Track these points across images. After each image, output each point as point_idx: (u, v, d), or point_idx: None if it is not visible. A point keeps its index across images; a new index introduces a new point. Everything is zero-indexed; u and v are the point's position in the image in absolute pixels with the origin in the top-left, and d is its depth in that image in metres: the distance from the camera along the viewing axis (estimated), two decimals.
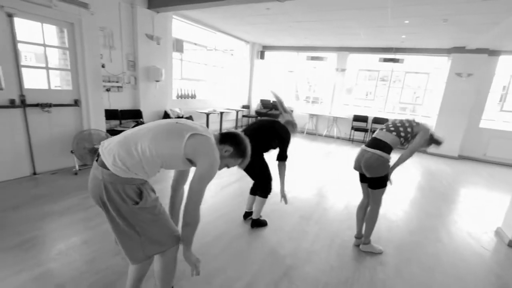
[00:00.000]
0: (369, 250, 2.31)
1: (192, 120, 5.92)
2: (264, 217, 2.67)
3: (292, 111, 8.32)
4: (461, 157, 6.71)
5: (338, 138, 8.04)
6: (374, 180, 2.13)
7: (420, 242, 2.58)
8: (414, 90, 7.94)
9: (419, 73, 7.38)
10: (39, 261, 1.87)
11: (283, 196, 2.46)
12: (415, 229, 2.82)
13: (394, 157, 2.09)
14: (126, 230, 1.22)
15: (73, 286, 1.68)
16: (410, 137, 2.14)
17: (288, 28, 6.07)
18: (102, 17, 4.05)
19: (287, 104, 8.40)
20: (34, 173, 3.37)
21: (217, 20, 5.98)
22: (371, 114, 7.63)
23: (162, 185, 3.27)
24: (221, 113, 6.93)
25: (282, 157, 2.38)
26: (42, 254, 1.96)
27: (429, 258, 2.32)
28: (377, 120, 7.42)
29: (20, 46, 3.04)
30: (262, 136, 2.32)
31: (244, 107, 8.68)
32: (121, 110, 4.68)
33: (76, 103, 3.64)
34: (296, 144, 6.78)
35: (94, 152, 3.74)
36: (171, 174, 1.62)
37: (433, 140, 2.22)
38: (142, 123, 4.83)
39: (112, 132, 4.31)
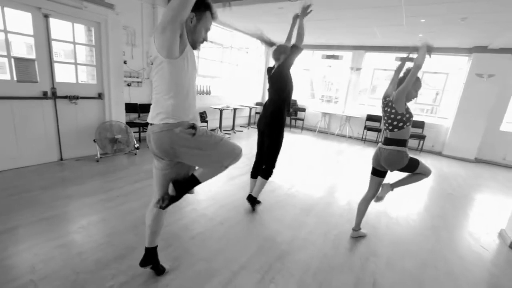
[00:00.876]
0: (387, 189, 2.31)
1: (206, 116, 6.17)
2: (267, 207, 2.84)
3: (304, 109, 8.33)
4: (478, 160, 6.50)
5: (350, 137, 8.01)
6: (407, 169, 2.17)
7: (417, 238, 2.63)
8: (435, 91, 7.71)
9: (438, 73, 7.18)
10: (63, 233, 2.15)
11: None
12: (415, 227, 2.87)
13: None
14: (200, 154, 1.40)
15: (90, 254, 1.93)
16: (395, 114, 2.11)
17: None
18: (126, 17, 4.36)
19: (302, 102, 8.32)
20: (61, 159, 3.73)
21: (234, 19, 6.17)
22: None
23: None
24: (235, 109, 7.13)
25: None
26: (66, 227, 2.24)
27: (424, 254, 2.38)
28: None
29: (53, 44, 3.38)
30: (278, 86, 2.54)
31: (257, 104, 8.84)
32: (140, 104, 5.00)
33: (100, 96, 3.97)
34: (306, 142, 6.85)
35: (115, 142, 4.06)
36: None
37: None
38: None
39: (132, 124, 4.64)
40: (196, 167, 1.54)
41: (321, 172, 4.46)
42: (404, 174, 2.31)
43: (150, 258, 1.74)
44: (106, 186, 3.07)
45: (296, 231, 2.53)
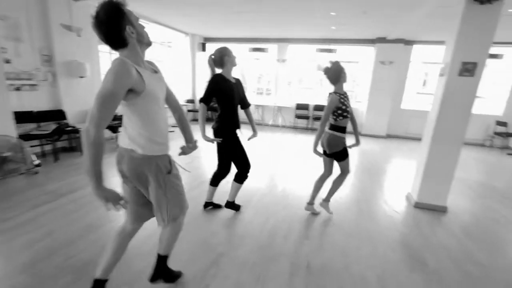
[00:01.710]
0: (325, 208, 2.79)
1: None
2: (196, 208, 2.68)
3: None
4: (389, 136, 7.58)
5: (283, 126, 8.36)
6: (337, 154, 2.52)
7: (343, 213, 2.86)
8: (352, 79, 8.59)
9: (351, 62, 8.02)
10: None
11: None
12: (341, 202, 3.11)
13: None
14: (160, 197, 1.38)
15: None
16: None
17: (226, 19, 6.01)
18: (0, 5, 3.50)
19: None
20: None
21: (149, 10, 5.63)
22: (312, 102, 8.08)
23: None
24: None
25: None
26: None
27: (351, 227, 2.59)
28: (318, 108, 7.91)
29: None
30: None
31: (188, 101, 8.43)
32: (37, 112, 4.14)
33: None
34: (241, 135, 6.84)
35: (3, 161, 3.27)
36: None
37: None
38: (67, 125, 4.37)
39: (28, 136, 3.81)
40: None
41: (257, 163, 4.49)
42: (329, 185, 2.75)
43: None
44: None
45: (232, 229, 2.45)
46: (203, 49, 8.47)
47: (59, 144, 4.49)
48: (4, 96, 3.38)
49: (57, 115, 4.40)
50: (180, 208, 1.47)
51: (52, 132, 4.02)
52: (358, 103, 8.01)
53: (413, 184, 3.30)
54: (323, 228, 2.55)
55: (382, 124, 7.43)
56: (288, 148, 5.72)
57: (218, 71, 2.42)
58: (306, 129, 8.04)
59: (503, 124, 6.68)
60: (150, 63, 1.40)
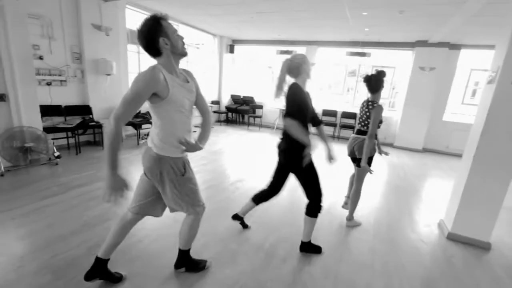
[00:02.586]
0: (353, 225, 2.68)
1: (150, 117, 5.67)
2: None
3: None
4: (425, 150, 6.81)
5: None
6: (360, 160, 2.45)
7: (358, 237, 2.49)
8: (392, 86, 7.93)
9: (386, 67, 7.39)
10: None
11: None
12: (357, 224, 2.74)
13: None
14: (175, 197, 1.52)
15: None
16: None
17: (250, 20, 5.88)
18: (35, 4, 3.73)
19: (260, 99, 7.94)
20: None
21: (176, 10, 5.71)
22: (339, 109, 7.60)
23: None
24: None
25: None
26: None
27: (363, 254, 2.23)
28: (346, 115, 7.41)
29: None
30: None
31: (213, 102, 8.45)
32: (65, 106, 4.35)
33: (2, 98, 3.32)
34: (262, 140, 6.64)
35: (26, 151, 3.44)
36: None
37: None
38: (91, 120, 4.54)
39: (54, 129, 4.01)
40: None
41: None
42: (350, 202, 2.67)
43: (98, 270, 1.62)
44: (1, 206, 2.51)
45: (225, 243, 2.23)
46: (231, 50, 8.46)
47: (84, 138, 4.69)
48: (34, 91, 3.57)
49: (84, 110, 4.60)
50: (193, 207, 1.61)
51: (76, 126, 4.19)
52: (392, 111, 7.35)
53: (447, 210, 2.80)
54: (331, 252, 2.22)
55: (419, 136, 6.70)
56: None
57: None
58: (333, 137, 7.56)
59: None
60: (187, 72, 1.56)
